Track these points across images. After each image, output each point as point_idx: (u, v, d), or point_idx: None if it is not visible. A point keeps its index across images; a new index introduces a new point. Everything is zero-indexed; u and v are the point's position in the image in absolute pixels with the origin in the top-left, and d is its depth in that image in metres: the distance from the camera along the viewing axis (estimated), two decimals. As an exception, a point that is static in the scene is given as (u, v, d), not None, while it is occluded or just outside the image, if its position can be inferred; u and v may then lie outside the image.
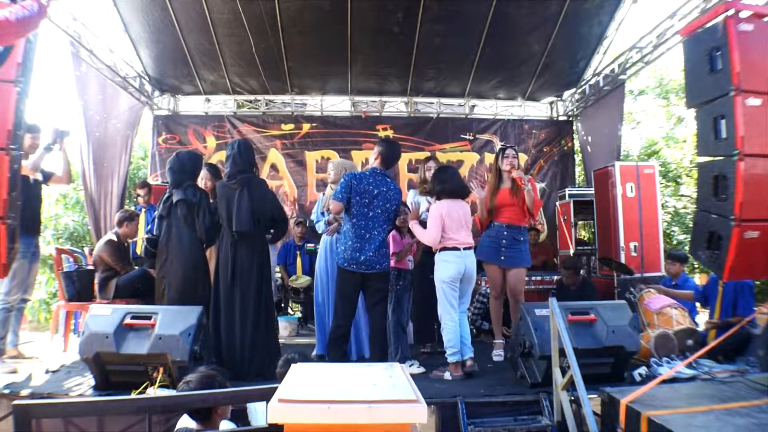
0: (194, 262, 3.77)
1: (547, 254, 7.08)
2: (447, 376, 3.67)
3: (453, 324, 3.68)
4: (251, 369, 3.56)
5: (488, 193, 4.27)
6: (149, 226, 4.14)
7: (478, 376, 3.71)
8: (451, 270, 3.69)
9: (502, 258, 4.13)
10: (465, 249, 3.73)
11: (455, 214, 3.74)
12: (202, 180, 4.33)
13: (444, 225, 3.70)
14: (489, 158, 8.04)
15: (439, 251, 3.76)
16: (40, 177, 4.11)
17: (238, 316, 3.64)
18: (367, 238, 3.64)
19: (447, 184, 3.79)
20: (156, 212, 3.98)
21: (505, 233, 4.16)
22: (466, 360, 3.74)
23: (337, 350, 3.69)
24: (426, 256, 4.15)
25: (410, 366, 3.88)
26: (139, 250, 5.81)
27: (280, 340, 4.54)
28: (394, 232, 4.17)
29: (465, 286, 3.81)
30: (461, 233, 3.74)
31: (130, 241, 4.99)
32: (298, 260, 6.31)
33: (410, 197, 4.82)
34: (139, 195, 6.03)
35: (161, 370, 3.06)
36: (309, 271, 6.13)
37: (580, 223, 7.77)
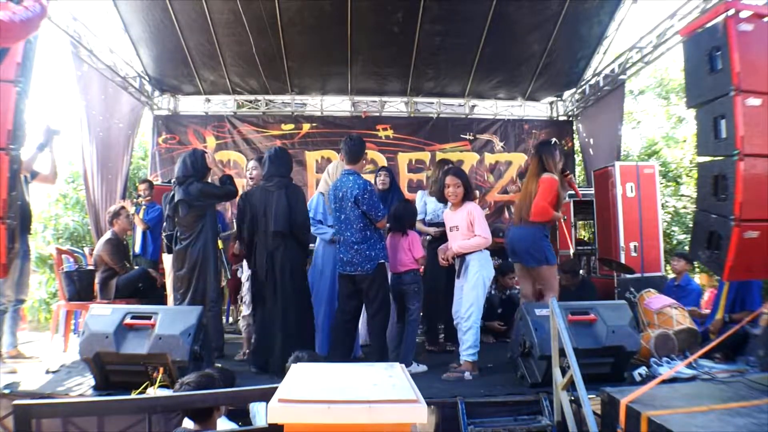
0: (203, 267, 3.87)
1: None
2: (467, 375, 3.67)
3: (478, 325, 3.75)
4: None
5: (556, 192, 3.95)
6: (164, 224, 4.18)
7: (478, 376, 3.71)
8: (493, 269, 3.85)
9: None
10: None
11: None
12: (248, 171, 4.38)
13: None
14: (489, 158, 8.04)
15: (483, 250, 3.79)
16: (28, 175, 4.11)
17: (279, 317, 3.72)
18: (343, 240, 3.76)
19: (472, 187, 3.91)
20: (165, 210, 4.08)
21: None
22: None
23: (337, 346, 3.76)
24: (432, 256, 4.14)
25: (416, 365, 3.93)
26: (137, 247, 5.83)
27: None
28: (416, 235, 4.16)
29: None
30: None
31: (129, 234, 4.99)
32: None
33: (419, 197, 4.82)
34: (140, 195, 6.03)
35: (161, 370, 3.06)
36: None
37: (580, 223, 7.76)
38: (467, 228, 3.77)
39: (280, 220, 3.71)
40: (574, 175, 8.29)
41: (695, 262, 7.01)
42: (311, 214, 4.41)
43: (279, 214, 3.71)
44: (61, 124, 4.28)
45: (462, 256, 3.79)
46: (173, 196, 3.91)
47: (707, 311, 4.85)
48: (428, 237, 4.73)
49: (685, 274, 5.25)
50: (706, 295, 6.10)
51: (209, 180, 4.13)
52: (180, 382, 2.26)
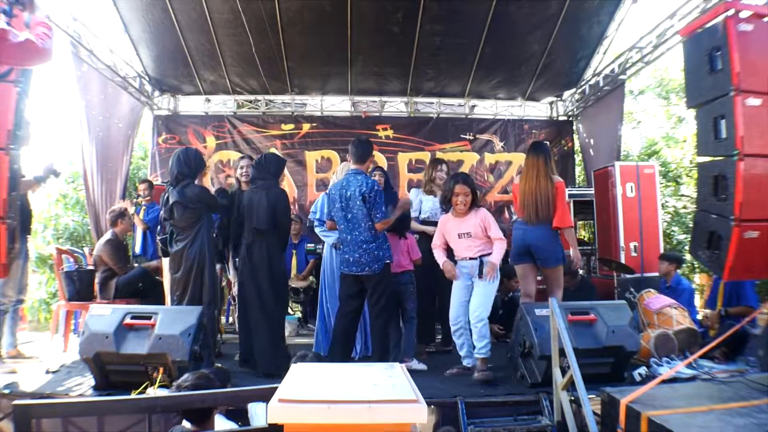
0: (200, 269, 3.83)
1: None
2: (487, 375, 3.64)
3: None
4: (269, 367, 3.66)
5: None
6: (159, 227, 4.16)
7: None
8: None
9: None
10: None
11: None
12: (241, 168, 4.45)
13: None
14: (489, 158, 8.04)
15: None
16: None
17: (257, 314, 3.83)
18: (350, 240, 3.70)
19: (477, 193, 3.89)
20: (160, 213, 4.03)
21: None
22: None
23: (336, 350, 3.73)
24: (429, 256, 4.12)
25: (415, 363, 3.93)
26: (138, 248, 5.83)
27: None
28: (413, 238, 4.13)
29: None
30: None
31: (129, 235, 4.98)
32: (294, 259, 6.28)
33: (413, 195, 4.80)
34: (140, 195, 6.04)
35: (161, 370, 3.06)
36: (303, 269, 6.14)
37: (580, 223, 7.75)
38: (482, 233, 3.70)
39: (261, 218, 3.85)
40: (574, 175, 8.32)
41: (695, 262, 7.00)
42: (317, 216, 4.41)
43: (260, 212, 3.86)
44: (63, 168, 4.36)
45: (479, 258, 3.72)
46: (167, 198, 3.83)
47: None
48: (416, 236, 4.64)
49: (674, 274, 5.18)
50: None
51: (208, 177, 4.13)
52: (176, 385, 2.24)
